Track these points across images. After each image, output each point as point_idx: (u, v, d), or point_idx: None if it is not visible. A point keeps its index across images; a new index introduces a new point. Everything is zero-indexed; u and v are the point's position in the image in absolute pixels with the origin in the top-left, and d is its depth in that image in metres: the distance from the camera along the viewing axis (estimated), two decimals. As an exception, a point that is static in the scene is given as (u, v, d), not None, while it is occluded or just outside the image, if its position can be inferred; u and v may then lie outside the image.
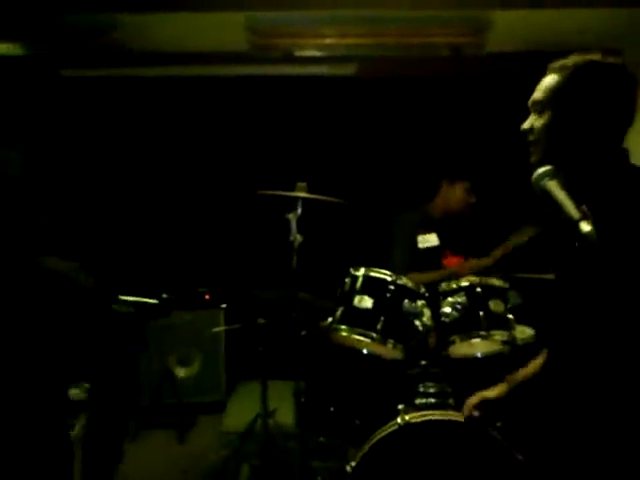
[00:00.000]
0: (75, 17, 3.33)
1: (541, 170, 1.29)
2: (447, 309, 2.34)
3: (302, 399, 2.53)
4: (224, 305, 4.02)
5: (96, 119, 4.19)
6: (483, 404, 1.80)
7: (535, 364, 1.62)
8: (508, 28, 3.43)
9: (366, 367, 2.39)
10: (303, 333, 2.75)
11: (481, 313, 2.32)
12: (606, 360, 1.27)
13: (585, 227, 1.15)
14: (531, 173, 1.32)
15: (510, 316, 2.34)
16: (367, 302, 2.36)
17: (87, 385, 1.58)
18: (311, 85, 4.20)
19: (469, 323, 2.32)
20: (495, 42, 3.57)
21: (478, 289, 2.35)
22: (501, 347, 2.32)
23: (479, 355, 2.33)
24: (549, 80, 1.43)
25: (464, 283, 2.39)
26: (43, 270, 1.43)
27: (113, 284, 2.15)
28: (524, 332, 2.46)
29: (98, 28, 3.44)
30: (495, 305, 2.33)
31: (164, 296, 2.42)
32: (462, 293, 2.35)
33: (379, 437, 2.07)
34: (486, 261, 3.08)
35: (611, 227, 1.23)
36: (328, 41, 3.73)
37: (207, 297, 4.08)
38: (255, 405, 3.16)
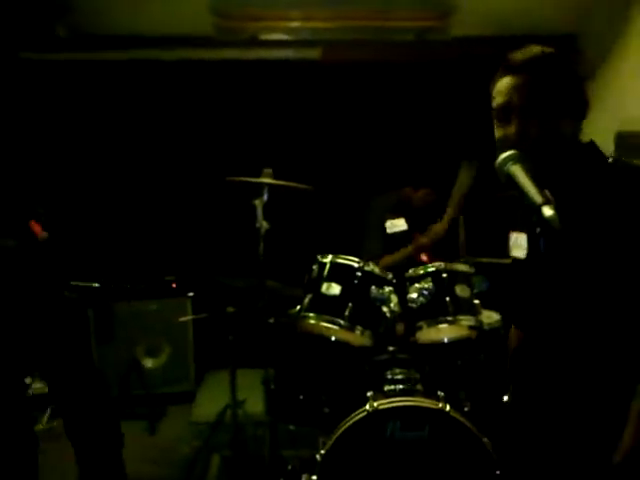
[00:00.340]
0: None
1: (505, 155, 1.29)
2: (414, 295, 2.34)
3: (271, 387, 2.51)
4: (191, 293, 3.98)
5: (56, 103, 4.07)
6: None
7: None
8: (472, 12, 3.43)
9: (335, 354, 2.38)
10: (271, 321, 2.73)
11: (447, 298, 2.32)
12: (578, 342, 1.28)
13: (547, 212, 1.15)
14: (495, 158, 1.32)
15: (476, 301, 2.35)
16: (335, 289, 2.35)
17: (38, 376, 1.52)
18: (277, 69, 4.15)
19: (436, 309, 2.33)
20: (459, 26, 3.56)
21: (444, 275, 2.35)
22: (468, 332, 2.33)
23: (446, 340, 2.34)
24: (510, 82, 1.35)
25: (430, 269, 2.39)
26: None
27: (67, 270, 2.08)
28: (490, 317, 2.48)
29: (55, 10, 3.34)
30: (461, 290, 2.34)
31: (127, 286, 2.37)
32: (428, 279, 2.35)
33: (348, 424, 2.07)
34: (443, 224, 3.13)
35: (574, 212, 1.23)
36: (294, 24, 3.69)
37: (174, 285, 4.03)
38: (224, 394, 3.14)
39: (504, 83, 1.36)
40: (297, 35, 3.77)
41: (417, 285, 2.37)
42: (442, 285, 2.35)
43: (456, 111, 4.05)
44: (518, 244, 1.49)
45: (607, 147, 1.38)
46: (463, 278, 2.38)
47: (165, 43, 3.82)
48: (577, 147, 1.36)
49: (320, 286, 2.38)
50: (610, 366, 1.27)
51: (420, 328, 2.35)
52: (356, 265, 2.37)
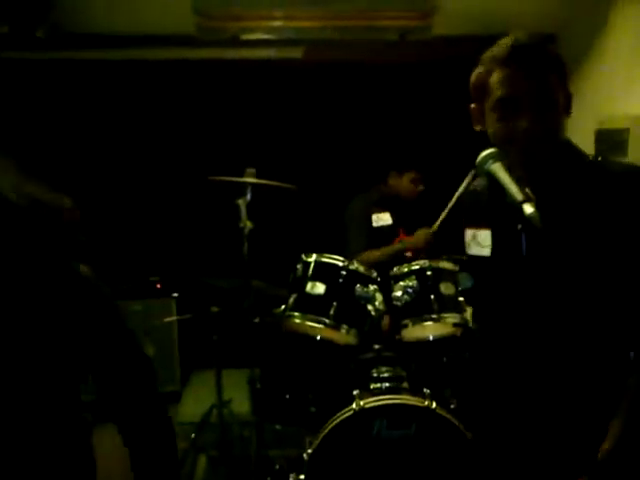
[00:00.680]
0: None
1: (485, 152, 1.30)
2: (399, 293, 2.35)
3: (257, 387, 2.51)
4: (176, 294, 3.96)
5: (36, 102, 4.02)
6: None
7: None
8: (454, 11, 3.45)
9: (320, 353, 2.38)
10: (256, 321, 2.73)
11: (432, 296, 2.33)
12: (559, 339, 1.28)
13: (528, 209, 1.16)
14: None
15: (461, 299, 2.37)
16: (319, 288, 2.36)
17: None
18: (259, 69, 4.14)
19: (421, 306, 2.34)
20: (442, 26, 3.58)
21: (429, 272, 2.37)
22: (453, 329, 2.34)
23: (431, 338, 2.35)
24: (518, 72, 1.25)
25: (415, 267, 2.40)
26: None
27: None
28: (475, 314, 2.50)
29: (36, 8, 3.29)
30: (446, 288, 2.35)
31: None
32: (413, 277, 2.36)
33: (335, 423, 2.07)
34: (432, 229, 3.12)
35: (555, 209, 1.24)
36: (276, 24, 3.68)
37: (158, 286, 4.00)
38: (210, 394, 3.13)
39: (510, 74, 1.25)
40: (280, 34, 3.76)
41: (402, 283, 2.38)
42: (427, 283, 2.36)
43: (439, 111, 4.08)
44: (478, 241, 1.43)
45: (588, 144, 1.39)
46: (448, 276, 2.39)
47: (147, 42, 3.79)
48: (559, 145, 1.36)
49: (305, 285, 2.38)
50: (593, 363, 1.28)
51: (405, 326, 2.37)
52: (340, 264, 2.38)
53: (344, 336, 2.34)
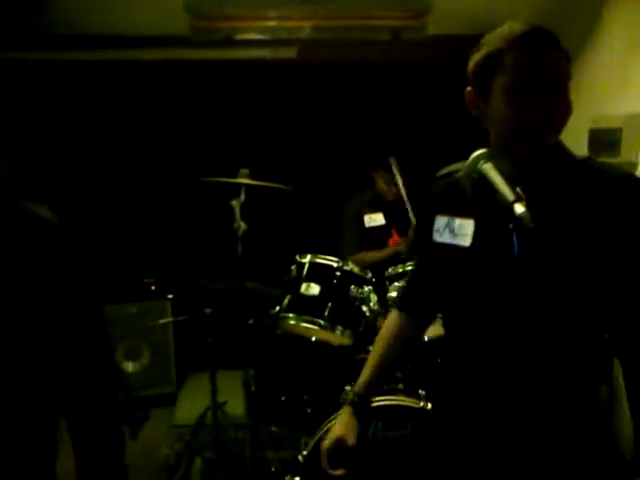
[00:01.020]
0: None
1: (476, 153, 1.29)
2: (394, 294, 2.35)
3: (252, 388, 2.51)
4: (171, 296, 3.95)
5: (28, 104, 4.01)
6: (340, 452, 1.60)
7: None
8: (447, 11, 3.44)
9: (315, 354, 2.38)
10: (251, 322, 2.72)
11: (427, 297, 2.32)
12: (544, 336, 1.28)
13: (519, 209, 1.15)
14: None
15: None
16: (314, 289, 2.36)
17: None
18: (253, 69, 4.13)
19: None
20: (435, 25, 3.58)
21: (424, 273, 2.36)
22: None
23: (426, 339, 2.34)
24: (551, 57, 1.21)
25: (410, 267, 2.39)
26: None
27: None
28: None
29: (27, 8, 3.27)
30: (440, 288, 2.35)
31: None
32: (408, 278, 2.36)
33: (331, 424, 2.06)
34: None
35: (546, 209, 1.24)
36: (270, 24, 3.67)
37: (153, 288, 3.99)
38: (206, 396, 3.11)
39: (529, 55, 1.19)
40: (273, 34, 3.75)
41: (397, 284, 2.37)
42: (421, 283, 2.35)
43: (433, 110, 4.08)
44: (452, 228, 1.35)
45: (581, 144, 1.38)
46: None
47: (140, 43, 3.77)
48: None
49: (299, 286, 2.38)
50: (577, 356, 1.28)
51: (400, 327, 2.35)
52: (335, 265, 2.38)
53: (339, 337, 2.34)
